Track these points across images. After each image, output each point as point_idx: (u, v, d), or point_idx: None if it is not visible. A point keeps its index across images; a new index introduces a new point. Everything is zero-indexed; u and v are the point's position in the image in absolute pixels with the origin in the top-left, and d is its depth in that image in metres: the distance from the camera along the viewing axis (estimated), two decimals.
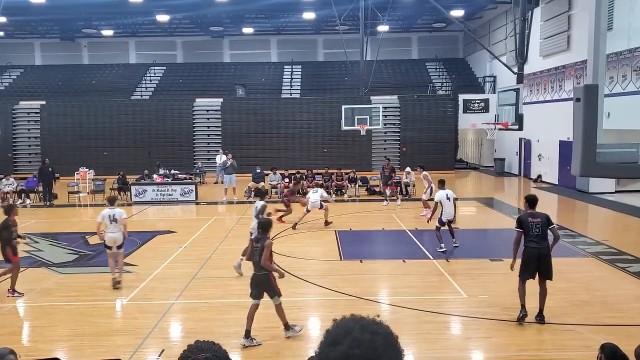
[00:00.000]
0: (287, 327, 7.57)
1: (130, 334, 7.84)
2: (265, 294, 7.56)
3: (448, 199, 12.41)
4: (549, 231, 7.96)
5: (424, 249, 12.75)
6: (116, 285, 9.90)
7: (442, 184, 13.03)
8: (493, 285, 9.87)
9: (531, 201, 8.27)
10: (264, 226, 7.70)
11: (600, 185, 20.87)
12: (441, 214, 12.39)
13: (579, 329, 7.78)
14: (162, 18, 31.97)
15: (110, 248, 10.04)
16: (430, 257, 12.00)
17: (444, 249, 12.18)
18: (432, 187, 16.30)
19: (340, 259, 12.07)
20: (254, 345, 7.28)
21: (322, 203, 15.80)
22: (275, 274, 7.70)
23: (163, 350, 7.26)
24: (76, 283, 10.46)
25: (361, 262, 11.65)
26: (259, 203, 11.27)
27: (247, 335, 7.31)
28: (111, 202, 10.43)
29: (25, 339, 8.04)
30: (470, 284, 9.91)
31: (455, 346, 7.55)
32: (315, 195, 15.85)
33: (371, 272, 11.12)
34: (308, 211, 15.53)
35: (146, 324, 8.20)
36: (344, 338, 1.43)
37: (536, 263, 7.87)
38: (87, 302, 9.31)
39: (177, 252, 12.73)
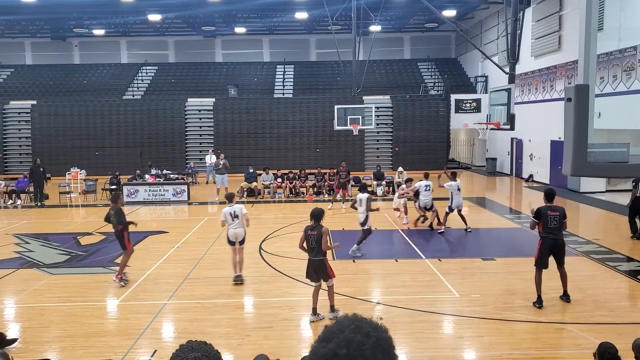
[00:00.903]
0: (332, 309, 8.25)
1: (122, 335, 7.80)
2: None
3: (459, 189, 14.00)
4: None
5: (416, 249, 12.78)
6: (238, 281, 10.15)
7: (454, 176, 14.43)
8: (485, 285, 9.92)
9: (550, 195, 8.90)
10: (317, 216, 8.28)
11: (591, 184, 21.02)
12: (451, 202, 14.07)
13: (571, 328, 7.83)
14: (154, 17, 31.83)
15: (233, 244, 10.28)
16: (423, 256, 12.04)
17: (442, 231, 14.18)
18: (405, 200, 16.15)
19: (333, 259, 12.04)
20: (321, 319, 8.16)
21: (433, 203, 15.15)
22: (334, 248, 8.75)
23: (155, 351, 7.23)
24: (67, 284, 10.40)
25: (354, 261, 11.67)
26: (364, 195, 12.16)
27: (314, 312, 8.22)
28: (230, 199, 10.62)
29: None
30: (462, 283, 9.95)
31: (448, 345, 7.57)
32: (426, 194, 14.91)
33: (364, 272, 11.14)
34: (421, 209, 15.20)
35: (138, 324, 8.16)
36: (335, 336, 1.43)
37: (551, 252, 8.66)
38: (78, 302, 9.26)
39: (170, 252, 12.70)
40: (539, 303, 8.62)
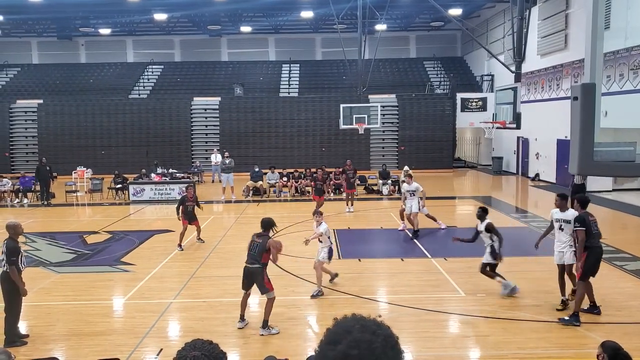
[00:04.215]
0: (265, 324, 7.73)
1: (128, 333, 7.83)
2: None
3: (409, 193, 14.01)
4: None
5: (422, 248, 12.76)
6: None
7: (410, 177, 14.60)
8: (491, 284, 9.87)
9: (585, 202, 8.38)
10: (265, 225, 8.09)
11: (597, 183, 20.90)
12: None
13: (577, 327, 7.79)
14: (160, 17, 31.91)
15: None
16: (429, 255, 12.02)
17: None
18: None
19: (339, 258, 12.05)
20: (245, 325, 7.95)
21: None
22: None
23: (161, 350, 7.25)
24: (73, 282, 10.45)
25: (359, 260, 11.66)
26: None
27: (241, 318, 7.96)
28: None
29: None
30: (468, 283, 9.92)
31: (454, 344, 7.56)
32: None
33: (370, 271, 11.13)
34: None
35: (144, 323, 8.19)
36: (343, 338, 1.42)
37: (599, 262, 7.92)
38: (84, 301, 9.30)
39: (175, 251, 12.73)
40: (596, 310, 8.12)
